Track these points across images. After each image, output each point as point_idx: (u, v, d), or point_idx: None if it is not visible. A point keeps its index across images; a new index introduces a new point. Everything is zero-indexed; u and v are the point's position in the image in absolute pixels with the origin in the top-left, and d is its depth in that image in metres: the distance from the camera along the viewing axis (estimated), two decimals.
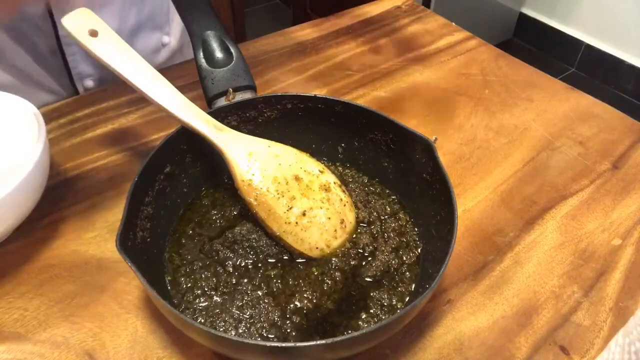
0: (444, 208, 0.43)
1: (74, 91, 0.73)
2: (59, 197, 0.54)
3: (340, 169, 0.55)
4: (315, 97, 0.52)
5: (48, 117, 0.62)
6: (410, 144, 0.48)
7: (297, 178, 0.47)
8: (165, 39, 0.80)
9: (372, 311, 0.42)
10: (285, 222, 0.45)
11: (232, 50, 0.59)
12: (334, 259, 0.46)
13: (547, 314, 0.46)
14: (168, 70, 0.72)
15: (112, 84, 0.69)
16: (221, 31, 0.59)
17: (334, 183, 0.48)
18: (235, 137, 0.47)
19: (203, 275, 0.44)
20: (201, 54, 0.58)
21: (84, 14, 0.47)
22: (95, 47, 0.46)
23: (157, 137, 0.61)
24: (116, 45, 0.47)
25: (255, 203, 0.45)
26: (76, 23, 0.46)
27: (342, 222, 0.47)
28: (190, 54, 0.85)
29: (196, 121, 0.46)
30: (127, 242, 0.39)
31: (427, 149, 0.46)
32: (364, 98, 0.70)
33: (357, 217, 0.49)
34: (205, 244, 0.47)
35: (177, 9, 0.59)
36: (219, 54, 0.58)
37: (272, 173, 0.46)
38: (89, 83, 0.73)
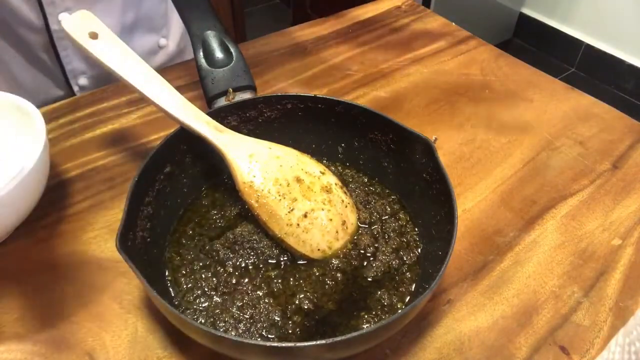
0: (444, 208, 0.43)
1: (69, 90, 0.73)
2: (59, 197, 0.54)
3: (340, 169, 0.55)
4: (315, 97, 0.52)
5: (48, 117, 0.62)
6: (410, 144, 0.48)
7: (298, 179, 0.47)
8: (162, 41, 0.79)
9: (372, 312, 0.42)
10: (287, 224, 0.45)
11: (232, 50, 0.59)
12: (335, 260, 0.46)
13: (547, 314, 0.46)
14: (167, 70, 0.72)
15: (112, 84, 0.69)
16: (221, 31, 0.59)
17: (335, 184, 0.48)
18: (235, 139, 0.47)
19: (203, 276, 0.44)
20: (201, 53, 0.58)
21: (84, 16, 0.47)
22: (95, 49, 0.46)
23: (157, 137, 0.61)
24: (116, 47, 0.47)
25: (256, 205, 0.45)
26: (76, 25, 0.46)
27: (344, 223, 0.47)
28: (189, 57, 0.85)
29: (196, 123, 0.46)
30: (127, 242, 0.39)
31: (427, 149, 0.46)
32: (364, 98, 0.70)
33: (358, 218, 0.49)
34: (206, 244, 0.47)
35: (177, 8, 0.59)
36: (219, 54, 0.58)
37: (273, 175, 0.46)
38: (83, 81, 0.72)
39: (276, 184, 0.46)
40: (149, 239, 0.44)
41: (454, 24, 0.87)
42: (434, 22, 0.87)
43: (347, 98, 0.69)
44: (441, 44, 0.82)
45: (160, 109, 0.46)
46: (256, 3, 2.73)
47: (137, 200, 0.43)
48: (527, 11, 2.47)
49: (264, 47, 0.78)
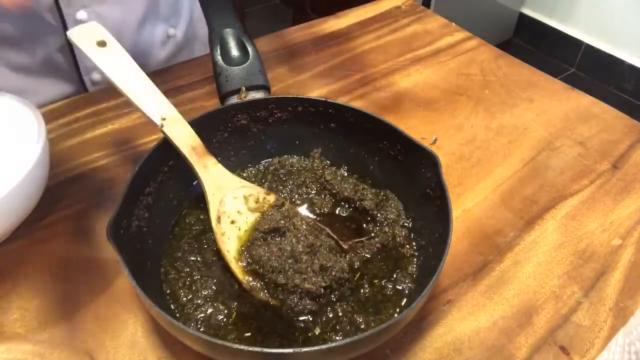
0: (442, 225, 0.42)
1: (81, 86, 0.73)
2: (59, 197, 0.54)
3: (345, 173, 0.54)
4: (326, 102, 0.51)
5: (48, 117, 0.62)
6: (417, 157, 0.47)
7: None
8: (171, 30, 0.79)
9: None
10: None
11: (250, 49, 0.59)
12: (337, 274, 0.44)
13: (547, 314, 0.46)
14: (169, 70, 0.72)
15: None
16: (240, 30, 0.59)
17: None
18: (218, 175, 0.46)
19: (203, 277, 0.44)
20: (218, 50, 0.58)
21: (93, 27, 0.48)
22: (100, 59, 0.47)
23: (158, 137, 0.61)
24: (120, 60, 0.47)
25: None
26: (83, 35, 0.47)
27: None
28: (196, 50, 0.85)
29: (182, 145, 0.46)
30: (120, 229, 0.39)
31: (433, 164, 0.45)
32: (364, 98, 0.70)
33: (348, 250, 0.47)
34: (206, 243, 0.47)
35: (201, 3, 0.60)
36: (235, 52, 0.59)
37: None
38: (96, 76, 0.73)
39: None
40: (145, 229, 0.44)
41: (454, 24, 0.87)
42: (434, 22, 0.87)
43: (347, 98, 0.69)
44: (441, 44, 0.82)
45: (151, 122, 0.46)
46: (256, 3, 2.73)
47: (137, 189, 0.43)
48: (527, 11, 2.47)
49: (264, 47, 0.78)
